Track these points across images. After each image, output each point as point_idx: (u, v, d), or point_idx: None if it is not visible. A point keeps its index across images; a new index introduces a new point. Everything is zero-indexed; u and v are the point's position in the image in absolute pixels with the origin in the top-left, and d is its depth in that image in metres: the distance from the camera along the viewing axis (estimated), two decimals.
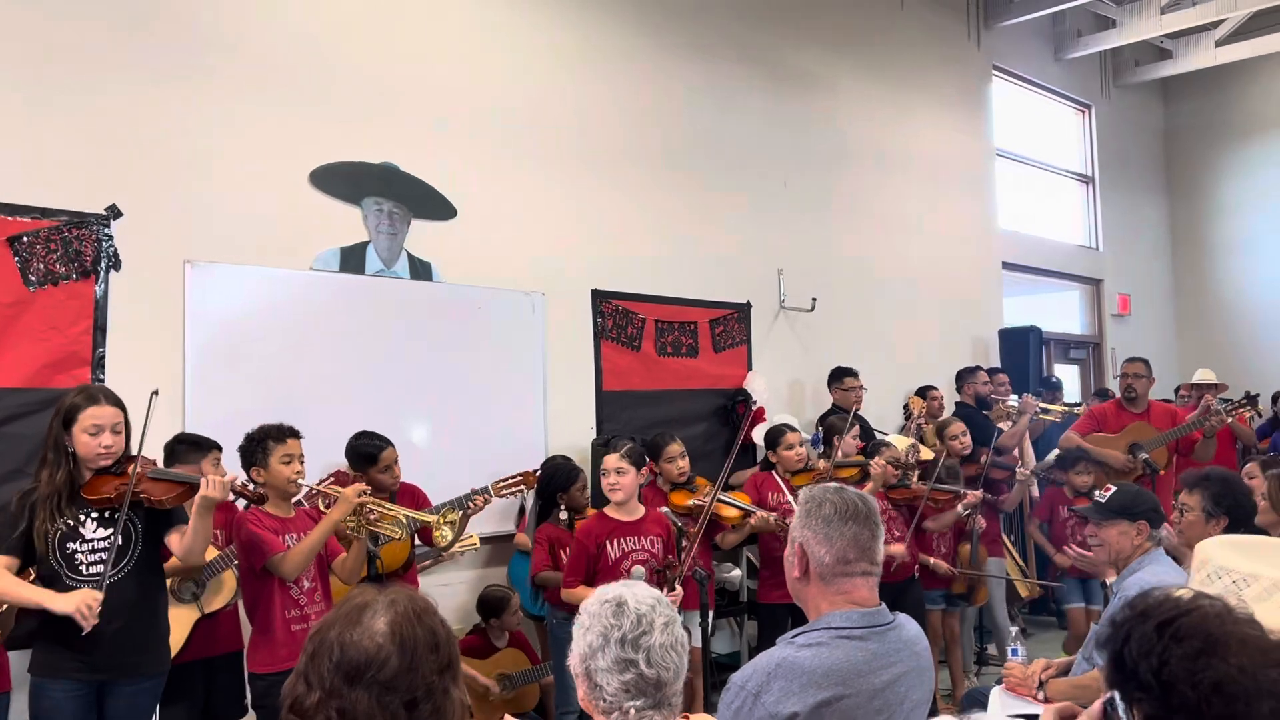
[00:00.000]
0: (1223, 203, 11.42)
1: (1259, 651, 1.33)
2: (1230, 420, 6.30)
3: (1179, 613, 1.38)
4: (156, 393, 3.20)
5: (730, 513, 4.93)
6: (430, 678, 1.46)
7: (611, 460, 4.20)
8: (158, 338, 4.50)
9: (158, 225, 4.54)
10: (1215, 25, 9.94)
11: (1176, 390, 8.69)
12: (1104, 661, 1.44)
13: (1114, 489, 3.38)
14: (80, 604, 2.96)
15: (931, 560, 5.65)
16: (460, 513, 4.16)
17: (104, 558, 3.12)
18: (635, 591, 1.91)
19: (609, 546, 4.13)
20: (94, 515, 3.15)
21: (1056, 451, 6.51)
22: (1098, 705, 1.43)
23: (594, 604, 1.91)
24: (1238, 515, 3.36)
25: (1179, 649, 1.34)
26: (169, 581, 3.64)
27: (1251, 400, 6.28)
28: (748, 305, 7.03)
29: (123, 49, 4.51)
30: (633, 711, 1.81)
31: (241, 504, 3.58)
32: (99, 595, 3.01)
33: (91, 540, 3.13)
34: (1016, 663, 3.43)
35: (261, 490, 3.47)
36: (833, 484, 2.33)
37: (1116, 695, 1.39)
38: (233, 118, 4.80)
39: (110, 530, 3.15)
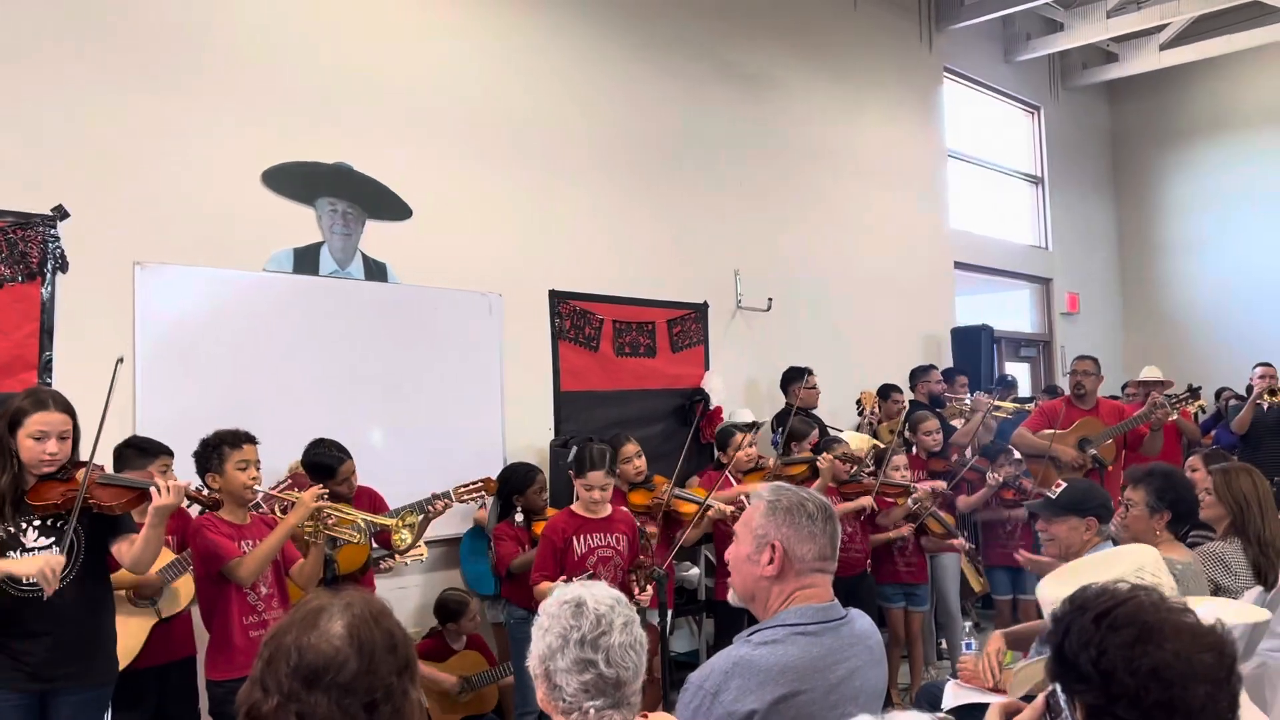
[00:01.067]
0: (1168, 203, 11.67)
1: (1192, 637, 1.38)
2: (1175, 415, 6.44)
3: (1115, 603, 1.42)
4: (121, 360, 3.14)
5: (687, 507, 4.97)
6: (389, 679, 1.46)
7: (598, 477, 4.22)
8: (107, 341, 4.41)
9: (106, 226, 4.47)
10: (1159, 29, 10.15)
11: (1124, 387, 8.88)
12: (1045, 652, 1.48)
13: (1064, 485, 3.45)
14: (44, 567, 2.90)
15: (890, 533, 5.69)
16: (420, 516, 4.14)
17: None
18: (594, 592, 1.92)
19: (575, 543, 4.15)
20: (35, 523, 3.07)
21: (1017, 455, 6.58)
22: (1040, 699, 1.46)
23: (553, 605, 1.92)
24: (1180, 510, 3.44)
25: (1116, 638, 1.38)
26: (127, 591, 3.59)
27: (1194, 393, 6.43)
28: (705, 305, 7.06)
29: (70, 49, 4.43)
30: (592, 711, 1.82)
31: (196, 510, 3.53)
32: (62, 560, 2.96)
33: (32, 549, 3.04)
34: (970, 656, 3.49)
35: (216, 495, 3.42)
36: (786, 485, 2.35)
37: (1058, 688, 1.43)
38: (183, 117, 4.73)
39: (51, 539, 3.07)
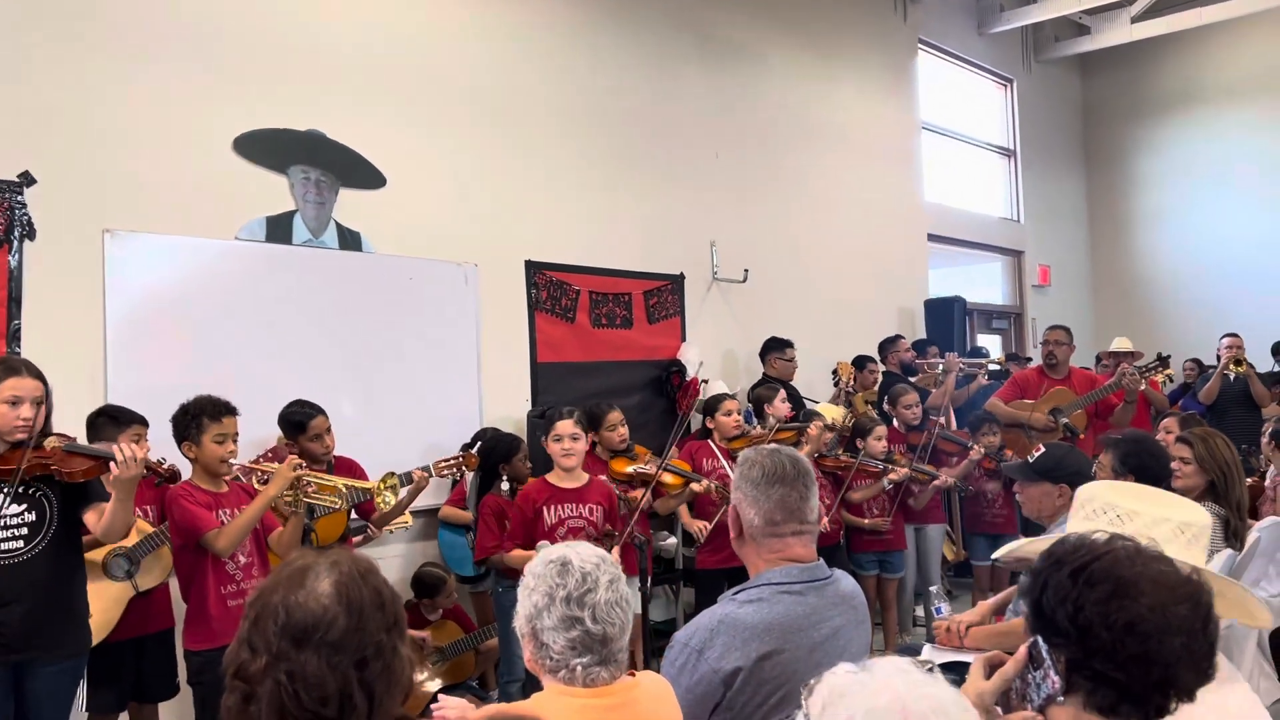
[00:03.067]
0: (1138, 176, 11.77)
1: (1168, 589, 1.39)
2: (1144, 385, 6.51)
3: (1091, 558, 1.43)
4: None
5: (672, 479, 4.99)
6: (378, 636, 1.45)
7: (566, 426, 4.17)
8: (76, 309, 4.35)
9: (75, 193, 4.38)
10: (1131, 2, 10.20)
11: (1097, 358, 8.97)
12: (1026, 610, 1.50)
13: (1043, 449, 3.48)
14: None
15: (866, 521, 5.76)
16: (404, 490, 4.10)
17: (17, 534, 3.02)
18: (579, 551, 1.92)
19: (545, 512, 4.13)
20: (5, 491, 3.03)
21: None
22: (1023, 650, 1.48)
23: (538, 565, 1.92)
24: (1143, 475, 3.47)
25: (1092, 593, 1.39)
26: (101, 556, 3.55)
27: (1163, 361, 6.51)
28: (681, 277, 7.05)
29: (38, 13, 4.33)
30: (579, 668, 1.83)
31: (155, 481, 3.48)
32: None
33: (4, 516, 3.02)
34: (942, 619, 3.52)
35: (174, 469, 3.34)
36: (769, 446, 2.36)
37: (1039, 639, 1.44)
38: (153, 82, 4.64)
39: (24, 506, 3.04)
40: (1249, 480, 5.22)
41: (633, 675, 1.92)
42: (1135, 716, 1.39)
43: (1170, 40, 10.84)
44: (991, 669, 1.54)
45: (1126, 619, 1.37)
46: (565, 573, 1.88)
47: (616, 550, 4.09)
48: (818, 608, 2.19)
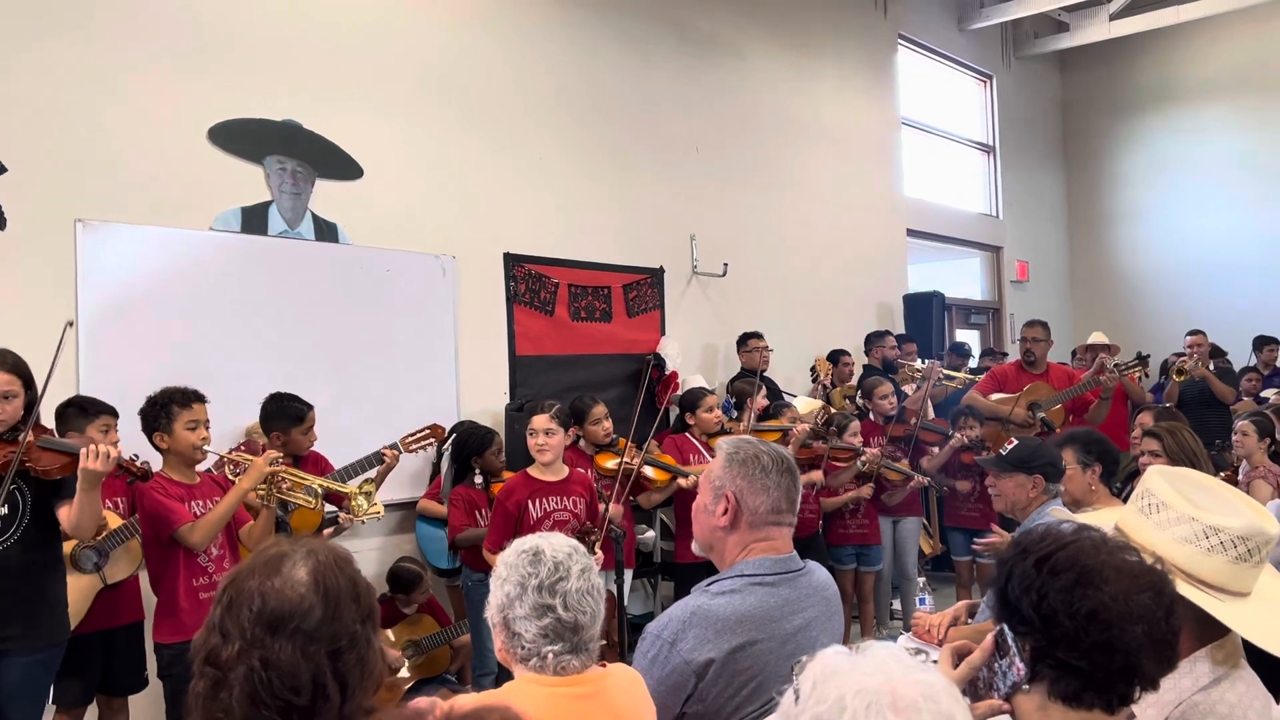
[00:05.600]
0: (1116, 173, 11.84)
1: (1130, 578, 1.40)
2: (1122, 379, 6.55)
3: (1056, 548, 1.44)
4: (71, 324, 3.06)
5: (657, 474, 4.99)
6: (353, 626, 1.44)
7: (541, 421, 4.17)
8: (47, 300, 4.30)
9: (46, 182, 4.33)
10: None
11: (1073, 353, 9.03)
12: (993, 599, 1.50)
13: (1016, 443, 3.50)
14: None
15: (845, 495, 5.76)
16: (374, 474, 4.08)
17: None
18: (552, 541, 1.92)
19: (531, 506, 4.12)
20: None
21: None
22: (989, 639, 1.48)
23: (511, 555, 1.92)
24: (1107, 461, 3.52)
25: (1056, 582, 1.40)
26: (70, 548, 3.51)
27: (1142, 360, 6.55)
28: (660, 270, 7.04)
29: (9, 1, 4.28)
30: (551, 656, 1.82)
31: (128, 480, 3.45)
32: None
33: None
34: (923, 612, 3.54)
35: (148, 466, 3.32)
36: (751, 438, 2.36)
37: (1006, 628, 1.45)
38: (127, 71, 4.59)
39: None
40: (1221, 474, 5.28)
41: (603, 666, 1.92)
42: (1099, 704, 1.39)
43: (1148, 38, 10.91)
44: (959, 658, 1.54)
45: (1089, 608, 1.37)
46: (537, 562, 1.87)
47: (599, 554, 4.10)
48: (790, 599, 2.18)
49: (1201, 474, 1.94)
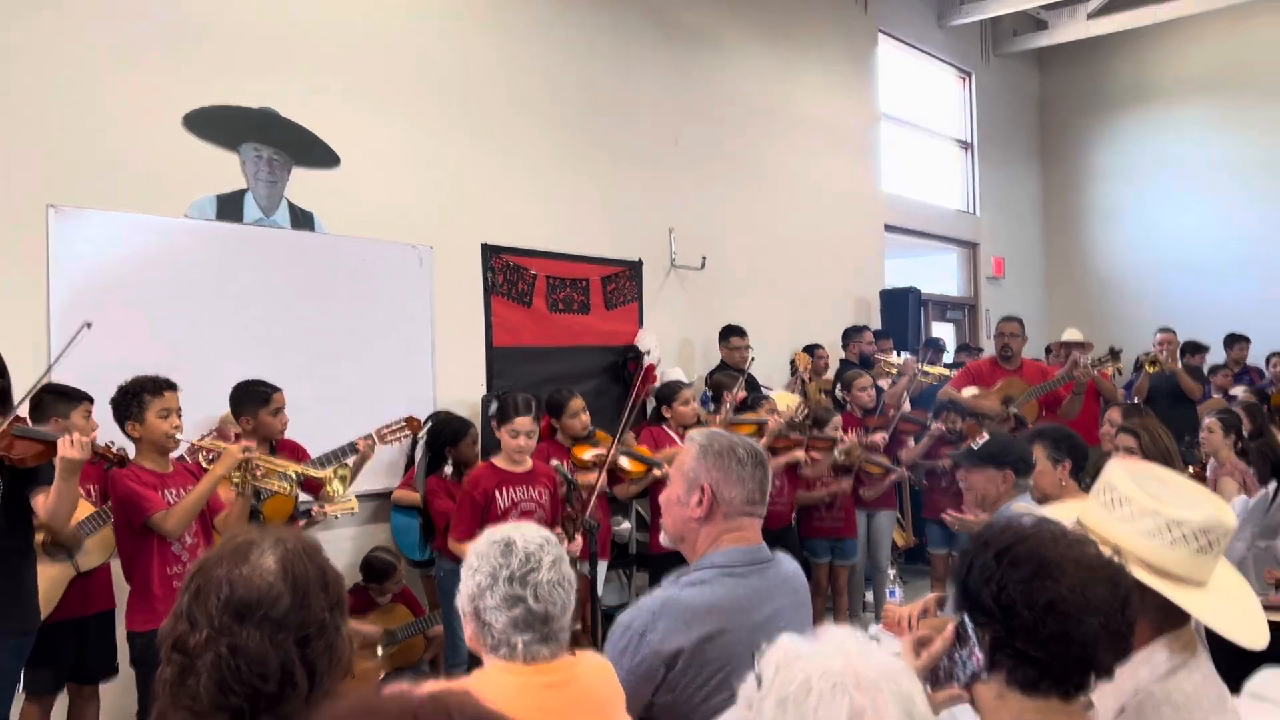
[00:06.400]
0: (1092, 171, 11.94)
1: (1088, 570, 1.43)
2: (1095, 374, 6.62)
3: (1016, 540, 1.47)
4: (89, 325, 3.06)
5: (634, 466, 5.01)
6: (321, 614, 1.45)
7: (525, 423, 4.22)
8: (19, 287, 4.27)
9: (17, 167, 4.29)
10: None
11: (1047, 349, 9.11)
12: (954, 590, 1.52)
13: (988, 436, 3.55)
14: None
15: (824, 490, 5.80)
16: (350, 462, 4.08)
17: None
18: (523, 532, 1.93)
19: (498, 496, 4.14)
20: None
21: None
22: (950, 629, 1.51)
23: (482, 545, 1.93)
24: (1077, 457, 3.57)
25: (1015, 574, 1.43)
26: (41, 536, 3.50)
27: (1115, 354, 6.62)
28: (639, 263, 7.05)
29: None
30: (520, 645, 1.83)
31: (105, 466, 3.44)
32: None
33: None
34: (894, 603, 3.57)
35: (124, 453, 3.31)
36: (723, 431, 2.39)
37: (966, 618, 1.48)
38: (101, 56, 4.55)
39: None
40: (1190, 470, 5.36)
41: (573, 654, 1.93)
42: (1055, 693, 1.42)
43: (1125, 37, 10.99)
44: (921, 647, 1.57)
45: (1047, 599, 1.40)
46: (509, 552, 1.88)
47: (580, 538, 4.13)
48: (759, 589, 2.20)
49: (1160, 468, 1.98)
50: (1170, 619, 1.77)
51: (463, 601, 1.90)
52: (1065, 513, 1.83)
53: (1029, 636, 1.40)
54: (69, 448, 2.96)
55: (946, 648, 1.52)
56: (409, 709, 0.67)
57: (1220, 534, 1.78)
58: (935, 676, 1.54)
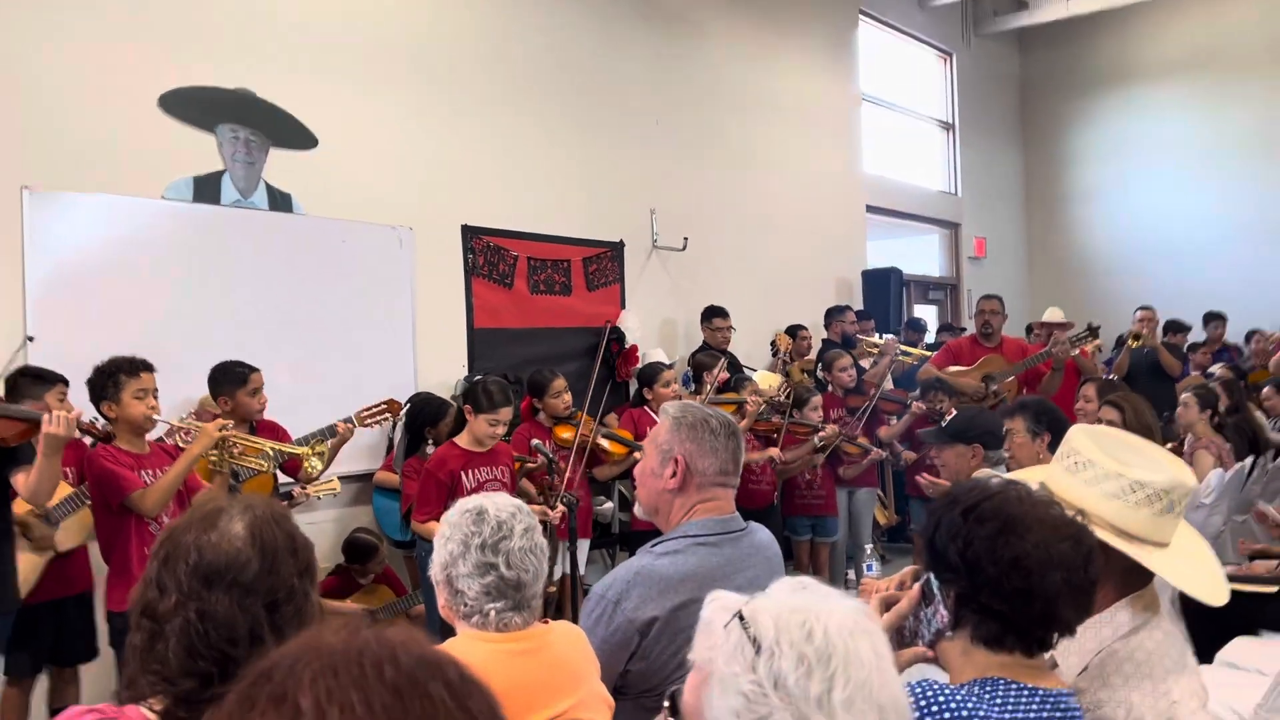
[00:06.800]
0: (1072, 151, 11.98)
1: (1052, 529, 1.46)
2: (1075, 353, 6.67)
3: (982, 498, 1.49)
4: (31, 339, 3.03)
5: (615, 448, 5.03)
6: (290, 580, 1.45)
7: (508, 413, 4.26)
8: None
9: None
10: None
11: (1029, 329, 9.16)
12: (923, 548, 1.55)
13: (955, 413, 3.57)
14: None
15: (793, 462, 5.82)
16: (329, 442, 4.09)
17: None
18: (495, 500, 1.94)
19: (465, 476, 4.15)
20: None
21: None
22: (916, 588, 1.53)
23: (454, 514, 1.94)
24: (1057, 430, 3.59)
25: (981, 530, 1.45)
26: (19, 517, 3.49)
27: (1094, 331, 6.66)
28: (621, 244, 7.05)
29: None
30: (493, 613, 1.85)
31: (89, 441, 3.44)
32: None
33: None
34: (871, 578, 3.60)
35: (110, 428, 3.32)
36: (696, 403, 2.40)
37: (931, 577, 1.50)
38: (75, 36, 4.51)
39: None
40: (1168, 446, 5.41)
41: (545, 622, 1.95)
42: (1019, 648, 1.45)
43: (1106, 17, 11.02)
44: (887, 607, 1.59)
45: (1012, 555, 1.43)
46: (481, 521, 1.90)
47: (561, 509, 4.16)
48: (733, 558, 2.22)
49: (1122, 431, 2.00)
50: (1133, 580, 1.80)
51: (435, 570, 1.91)
52: (1029, 476, 1.86)
53: (993, 592, 1.43)
54: (52, 424, 2.96)
55: (912, 606, 1.54)
56: (354, 646, 0.67)
57: (1181, 495, 1.81)
58: (901, 636, 1.56)
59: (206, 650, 1.37)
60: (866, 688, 1.08)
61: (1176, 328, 8.90)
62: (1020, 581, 1.42)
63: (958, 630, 1.48)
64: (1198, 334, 9.17)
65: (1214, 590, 1.78)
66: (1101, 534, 1.69)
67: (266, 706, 0.65)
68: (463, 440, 4.26)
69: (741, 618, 1.15)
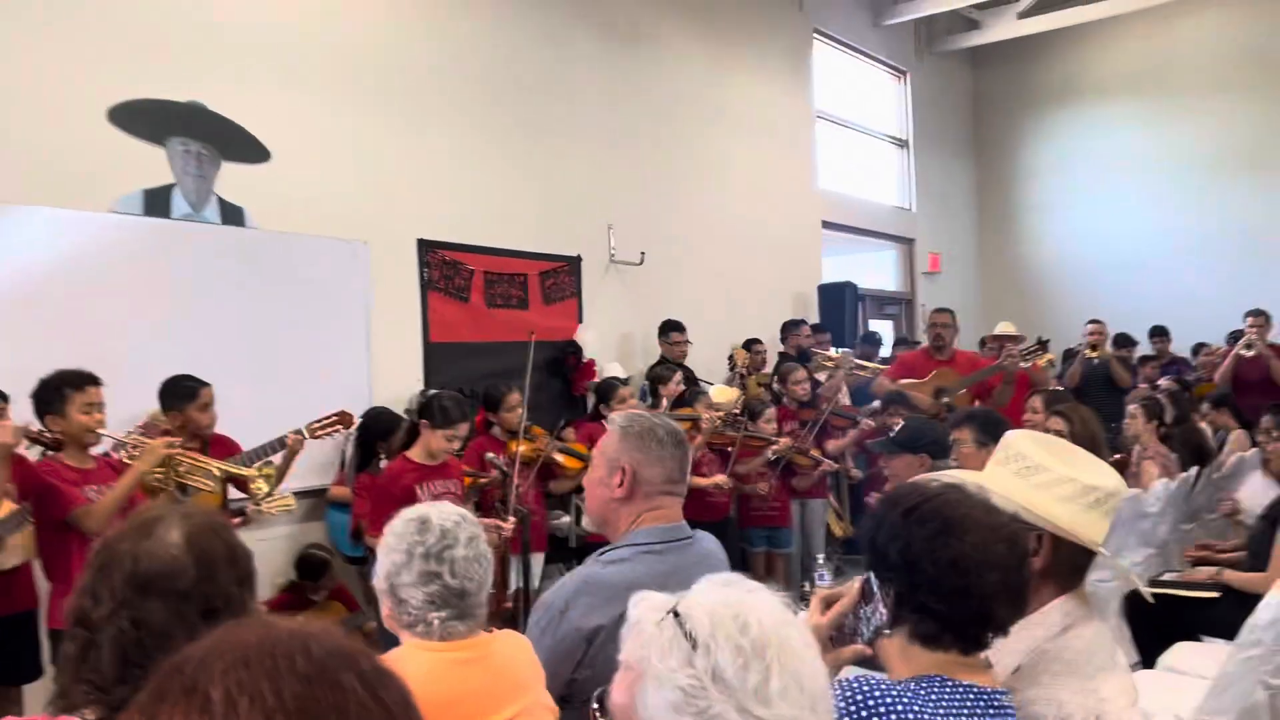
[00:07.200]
0: (1024, 167, 12.20)
1: (989, 530, 1.49)
2: (1025, 366, 6.77)
3: (922, 499, 1.53)
4: None
5: (570, 461, 5.03)
6: (229, 588, 1.45)
7: (465, 428, 4.30)
8: None
9: None
10: None
11: (982, 342, 9.29)
12: (864, 548, 1.58)
13: (902, 423, 3.62)
14: None
15: (749, 486, 5.86)
16: (276, 461, 4.05)
17: None
18: (439, 509, 1.94)
19: (419, 490, 4.13)
20: None
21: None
22: (856, 586, 1.56)
23: (399, 524, 1.94)
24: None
25: (921, 530, 1.49)
26: None
27: (1043, 345, 6.77)
28: (578, 258, 7.06)
29: None
30: (437, 622, 1.85)
31: (36, 452, 3.39)
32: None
33: None
34: (823, 587, 3.63)
35: (60, 436, 3.28)
36: (643, 413, 2.42)
37: (872, 576, 1.53)
38: (21, 45, 4.46)
39: None
40: (1115, 456, 5.50)
41: (490, 632, 1.95)
42: (955, 647, 1.48)
43: (1055, 36, 11.25)
44: (828, 606, 1.61)
45: (950, 555, 1.46)
46: (425, 529, 1.90)
47: (512, 521, 4.16)
48: (679, 566, 2.23)
49: (1054, 438, 2.06)
50: (1073, 580, 1.85)
51: (379, 580, 1.91)
52: (972, 478, 1.90)
53: (931, 590, 1.46)
54: None
55: (852, 604, 1.57)
56: (267, 639, 0.68)
57: (1119, 499, 1.88)
58: (841, 633, 1.58)
59: (141, 658, 1.36)
60: (799, 677, 1.10)
61: (1125, 342, 9.07)
62: (958, 580, 1.46)
63: (896, 628, 1.51)
64: (1144, 348, 9.35)
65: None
66: (1059, 533, 1.76)
67: (178, 699, 0.65)
68: (415, 454, 4.24)
69: (676, 614, 1.17)
